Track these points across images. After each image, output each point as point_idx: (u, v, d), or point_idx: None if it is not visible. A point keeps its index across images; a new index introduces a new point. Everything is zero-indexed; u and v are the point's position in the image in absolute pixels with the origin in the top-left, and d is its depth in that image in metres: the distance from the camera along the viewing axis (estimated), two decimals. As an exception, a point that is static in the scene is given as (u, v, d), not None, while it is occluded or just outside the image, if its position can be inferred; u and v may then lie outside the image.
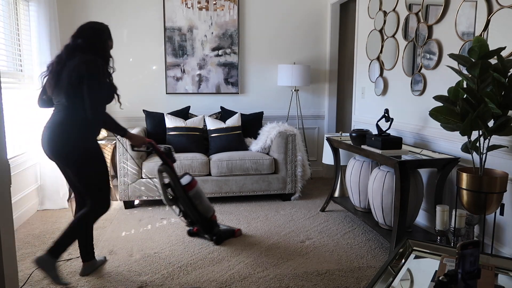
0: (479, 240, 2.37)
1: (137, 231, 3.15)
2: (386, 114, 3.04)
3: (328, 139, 3.59)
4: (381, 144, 2.80)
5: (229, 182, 3.83)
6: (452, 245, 2.40)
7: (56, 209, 3.69)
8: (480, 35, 2.47)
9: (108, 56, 2.37)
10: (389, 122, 3.01)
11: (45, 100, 2.39)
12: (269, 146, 4.06)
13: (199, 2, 3.93)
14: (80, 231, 2.35)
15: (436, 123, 2.48)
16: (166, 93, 4.57)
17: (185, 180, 2.85)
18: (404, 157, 2.71)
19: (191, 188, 2.83)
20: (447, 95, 2.26)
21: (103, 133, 3.98)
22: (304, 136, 4.65)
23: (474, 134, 2.24)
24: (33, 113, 3.60)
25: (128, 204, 3.72)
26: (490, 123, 2.15)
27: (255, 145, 4.11)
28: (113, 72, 2.39)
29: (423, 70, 3.10)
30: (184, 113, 4.29)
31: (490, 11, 2.42)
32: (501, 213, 2.26)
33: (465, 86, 2.23)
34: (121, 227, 3.23)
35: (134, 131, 3.83)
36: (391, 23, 3.52)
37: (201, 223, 2.89)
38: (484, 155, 2.20)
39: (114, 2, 4.34)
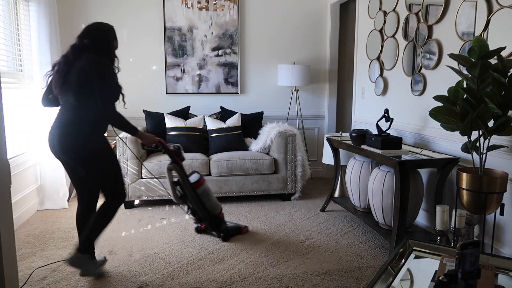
0: (479, 240, 2.37)
1: (137, 231, 3.15)
2: (386, 114, 3.04)
3: (328, 139, 3.59)
4: (381, 144, 2.80)
5: (229, 182, 3.83)
6: (452, 245, 2.40)
7: (56, 209, 3.69)
8: (480, 35, 2.47)
9: (114, 56, 2.40)
10: (389, 122, 3.01)
11: (51, 99, 2.41)
12: (269, 146, 4.06)
13: (199, 2, 3.93)
14: (103, 225, 2.38)
15: (436, 123, 2.48)
16: (166, 93, 4.57)
17: (193, 178, 2.92)
18: (404, 157, 2.72)
19: (199, 186, 2.91)
20: (447, 95, 2.26)
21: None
22: (304, 136, 4.65)
23: (474, 134, 2.24)
24: (33, 113, 3.60)
25: (128, 204, 3.72)
26: (490, 123, 2.15)
27: (255, 145, 4.11)
28: (118, 72, 2.42)
29: (423, 70, 3.10)
30: (184, 113, 4.29)
31: (490, 11, 2.42)
32: (501, 213, 2.26)
33: (465, 86, 2.23)
34: (121, 227, 3.23)
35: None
36: (391, 23, 3.52)
37: (209, 220, 2.95)
38: (484, 155, 2.20)
39: (114, 2, 4.34)
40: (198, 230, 3.13)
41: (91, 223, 2.33)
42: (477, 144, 2.19)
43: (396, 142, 2.84)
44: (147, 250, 2.79)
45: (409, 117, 3.30)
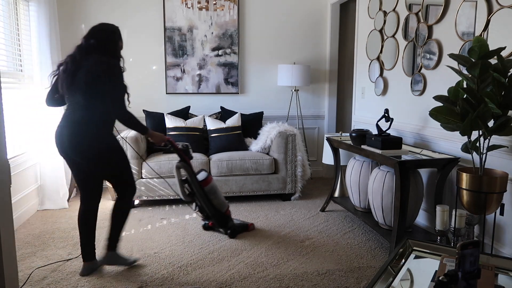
0: (479, 240, 2.37)
1: (137, 231, 3.15)
2: (386, 114, 3.04)
3: (328, 139, 3.59)
4: (381, 144, 2.80)
5: (229, 182, 3.83)
6: (452, 245, 2.40)
7: (56, 209, 3.69)
8: (480, 35, 2.47)
9: (119, 56, 2.44)
10: (389, 122, 3.01)
11: (57, 99, 2.45)
12: (269, 146, 4.06)
13: (199, 2, 3.92)
14: (124, 219, 2.49)
15: (436, 123, 2.48)
16: (166, 93, 4.57)
17: (201, 176, 2.98)
18: (404, 157, 2.71)
19: (207, 184, 2.97)
20: (447, 95, 2.26)
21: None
22: (304, 136, 4.65)
23: (474, 134, 2.24)
24: (33, 113, 3.60)
25: (128, 204, 3.72)
26: (490, 123, 2.15)
27: (255, 145, 4.11)
28: (124, 71, 2.44)
29: (423, 70, 3.10)
30: (184, 113, 4.29)
31: (490, 11, 2.42)
32: (501, 213, 2.26)
33: (465, 86, 2.23)
34: (121, 227, 3.23)
35: (134, 131, 3.83)
36: (391, 23, 3.52)
37: (216, 217, 3.01)
38: (484, 155, 2.20)
39: (114, 2, 4.34)
40: (206, 227, 3.18)
41: (112, 221, 2.45)
42: (477, 144, 2.19)
43: (396, 142, 2.84)
44: (147, 250, 2.79)
45: (409, 117, 3.30)
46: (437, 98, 2.28)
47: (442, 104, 2.26)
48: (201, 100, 4.66)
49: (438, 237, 2.49)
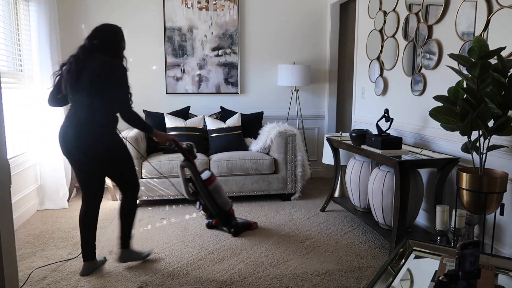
0: (479, 240, 2.37)
1: (137, 231, 3.15)
2: (386, 114, 3.04)
3: (328, 139, 3.59)
4: (381, 144, 2.80)
5: (229, 182, 3.83)
6: (452, 245, 2.40)
7: (56, 209, 3.69)
8: (480, 35, 2.47)
9: (122, 57, 2.46)
10: (389, 122, 3.01)
11: (60, 98, 2.46)
12: (269, 146, 4.06)
13: (199, 2, 3.92)
14: (133, 217, 2.56)
15: (436, 123, 2.48)
16: (166, 93, 4.57)
17: (205, 175, 3.02)
18: (404, 157, 2.71)
19: (210, 183, 3.00)
20: (447, 95, 2.26)
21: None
22: (304, 136, 4.65)
23: (474, 134, 2.24)
24: (33, 113, 3.60)
25: (128, 204, 3.72)
26: (490, 123, 2.15)
27: (255, 145, 4.11)
28: (127, 71, 2.46)
29: (423, 70, 3.10)
30: (184, 113, 4.30)
31: (490, 11, 2.42)
32: (501, 213, 2.26)
33: (465, 86, 2.23)
34: (121, 227, 3.23)
35: (134, 131, 3.84)
36: (391, 23, 3.52)
37: (220, 216, 3.04)
38: (484, 155, 2.20)
39: (114, 2, 4.34)
40: (209, 226, 3.21)
41: (122, 220, 2.51)
42: (477, 144, 2.19)
43: (396, 142, 2.84)
44: (147, 250, 2.79)
45: (409, 117, 3.30)
46: (437, 98, 2.28)
47: (442, 104, 2.26)
48: (201, 100, 4.66)
49: (438, 237, 2.49)
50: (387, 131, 3.02)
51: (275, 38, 4.74)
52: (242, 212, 3.61)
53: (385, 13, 3.60)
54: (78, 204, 3.82)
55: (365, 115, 4.08)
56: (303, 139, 4.43)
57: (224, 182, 3.81)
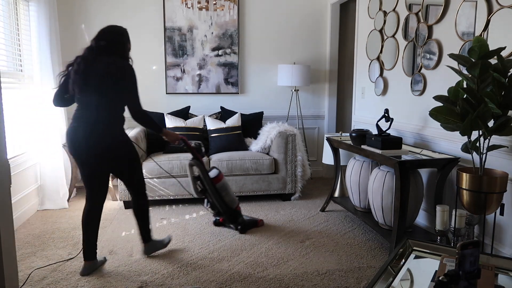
0: (479, 240, 2.37)
1: (137, 231, 3.14)
2: (386, 114, 3.04)
3: (328, 139, 3.59)
4: (381, 144, 2.80)
5: (229, 182, 3.82)
6: (452, 245, 2.40)
7: (56, 209, 3.69)
8: (480, 35, 2.47)
9: (128, 58, 2.52)
10: (389, 122, 3.01)
11: (67, 99, 2.47)
12: (269, 146, 4.06)
13: (199, 2, 3.92)
14: (147, 213, 2.65)
15: (436, 123, 2.48)
16: (166, 93, 4.57)
17: (213, 174, 3.07)
18: (404, 157, 2.71)
19: (218, 181, 3.05)
20: (447, 95, 2.26)
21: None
22: (304, 136, 4.65)
23: (474, 134, 2.24)
24: (33, 113, 3.60)
25: (128, 204, 3.72)
26: (490, 123, 2.15)
27: (255, 145, 4.11)
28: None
29: (423, 70, 3.10)
30: (184, 113, 4.30)
31: (490, 11, 2.42)
32: (501, 213, 2.26)
33: (465, 86, 2.23)
34: (121, 227, 3.23)
35: (134, 131, 3.84)
36: (391, 23, 3.52)
37: (227, 213, 3.10)
38: (484, 155, 2.20)
39: (114, 2, 4.34)
40: (217, 223, 3.27)
41: (138, 218, 2.62)
42: (477, 144, 2.19)
43: (396, 142, 2.84)
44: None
45: (409, 117, 3.30)
46: (437, 98, 2.28)
47: (442, 104, 2.26)
48: (201, 100, 4.66)
49: (438, 237, 2.49)
50: (387, 131, 3.02)
51: (275, 38, 4.74)
52: (242, 212, 3.61)
53: (385, 13, 3.60)
54: (78, 204, 3.83)
55: (365, 115, 4.08)
56: (303, 139, 4.43)
57: (224, 182, 3.82)
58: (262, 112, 4.53)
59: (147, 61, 4.50)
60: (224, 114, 4.37)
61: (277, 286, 2.30)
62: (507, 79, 2.04)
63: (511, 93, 2.05)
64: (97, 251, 2.51)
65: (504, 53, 2.24)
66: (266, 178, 3.90)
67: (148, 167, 3.68)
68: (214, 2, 4.19)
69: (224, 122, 4.21)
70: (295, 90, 4.74)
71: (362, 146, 3.02)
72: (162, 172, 3.68)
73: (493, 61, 2.10)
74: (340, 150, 3.59)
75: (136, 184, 2.57)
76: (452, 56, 2.17)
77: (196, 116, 4.28)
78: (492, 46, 2.13)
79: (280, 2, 4.69)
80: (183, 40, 4.50)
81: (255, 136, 4.29)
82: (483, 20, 2.46)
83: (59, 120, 3.77)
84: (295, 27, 4.77)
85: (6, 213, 1.61)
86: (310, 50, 4.85)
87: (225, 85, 4.68)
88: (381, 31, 3.69)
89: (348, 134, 3.49)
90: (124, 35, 2.50)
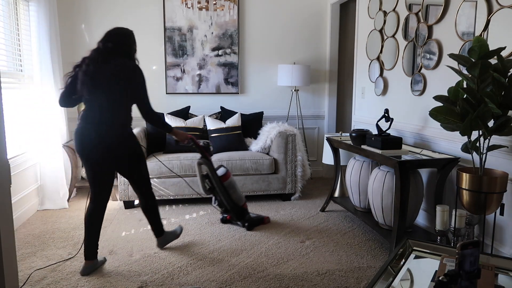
0: (479, 240, 2.37)
1: (137, 231, 3.15)
2: (386, 114, 3.04)
3: (328, 139, 3.59)
4: (381, 144, 2.80)
5: (229, 182, 3.83)
6: (452, 245, 2.40)
7: (56, 209, 3.69)
8: (480, 35, 2.47)
9: (135, 59, 2.55)
10: (389, 122, 3.01)
11: (74, 99, 2.49)
12: (269, 146, 4.06)
13: (199, 2, 3.92)
14: (156, 208, 2.74)
15: (436, 123, 2.48)
16: (166, 93, 4.57)
17: (220, 172, 3.15)
18: (404, 157, 2.71)
19: (226, 179, 3.14)
20: (447, 95, 2.26)
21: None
22: (304, 136, 4.65)
23: (474, 134, 2.24)
24: (33, 113, 3.60)
25: (128, 204, 3.72)
26: (490, 123, 2.15)
27: (255, 145, 4.11)
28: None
29: (423, 70, 3.10)
30: (184, 113, 4.30)
31: (490, 11, 2.42)
32: (501, 213, 2.26)
33: (465, 86, 2.23)
34: (121, 227, 3.23)
35: (134, 131, 3.83)
36: (391, 23, 3.52)
37: (235, 210, 3.17)
38: (484, 155, 2.20)
39: (114, 2, 4.34)
40: (224, 221, 3.32)
41: (149, 214, 2.70)
42: (477, 144, 2.19)
43: (396, 142, 2.84)
44: (147, 250, 2.79)
45: (409, 117, 3.30)
46: (437, 98, 2.28)
47: (442, 104, 2.26)
48: (201, 100, 4.66)
49: (438, 237, 2.49)
50: (387, 131, 3.02)
51: (275, 38, 4.74)
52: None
53: (385, 13, 3.60)
54: (78, 204, 3.83)
55: (365, 115, 4.08)
56: (303, 139, 4.43)
57: (224, 182, 3.82)
58: (262, 112, 4.53)
59: (147, 61, 4.50)
60: (224, 114, 4.37)
61: (277, 286, 2.30)
62: (507, 79, 2.04)
63: (511, 93, 2.05)
64: (98, 251, 2.51)
65: (504, 53, 2.24)
66: (266, 178, 3.90)
67: (148, 167, 3.68)
68: (214, 2, 4.19)
69: (224, 122, 4.21)
70: (295, 90, 4.74)
71: (362, 146, 3.02)
72: (162, 172, 3.68)
73: (493, 61, 2.10)
74: (340, 150, 3.59)
75: (142, 183, 2.62)
76: (452, 56, 2.17)
77: (196, 116, 4.28)
78: (492, 46, 2.13)
79: (280, 2, 4.69)
80: (183, 40, 4.50)
81: (255, 136, 4.29)
82: (483, 20, 2.46)
83: (59, 120, 3.77)
84: (295, 27, 4.77)
85: (6, 213, 1.61)
86: (310, 50, 4.85)
87: (225, 85, 4.68)
88: (381, 31, 3.69)
89: (348, 134, 3.49)
90: (131, 37, 2.54)
